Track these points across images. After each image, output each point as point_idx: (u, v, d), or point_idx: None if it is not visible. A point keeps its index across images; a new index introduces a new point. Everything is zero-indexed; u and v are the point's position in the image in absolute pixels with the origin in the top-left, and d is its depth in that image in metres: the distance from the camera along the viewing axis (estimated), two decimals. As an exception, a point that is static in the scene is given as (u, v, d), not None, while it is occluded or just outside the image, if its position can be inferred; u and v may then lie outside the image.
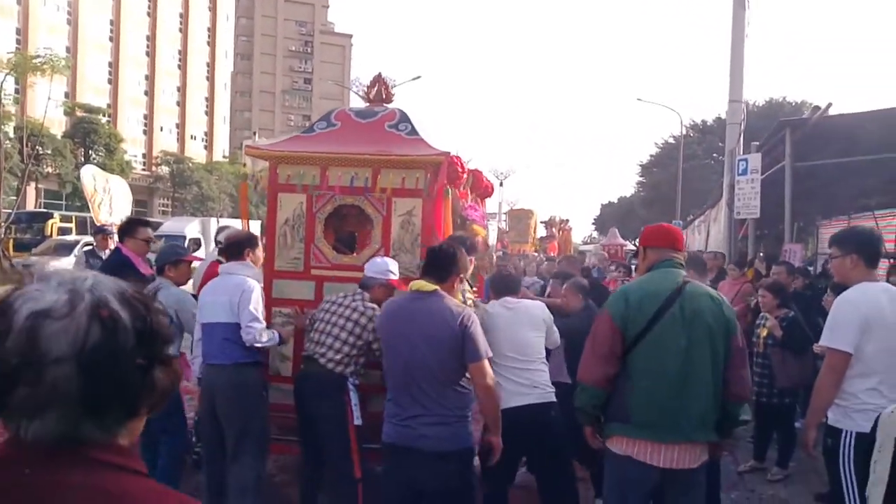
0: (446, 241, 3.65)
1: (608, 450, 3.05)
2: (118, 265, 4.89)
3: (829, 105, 7.87)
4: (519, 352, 3.88)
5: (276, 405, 4.57)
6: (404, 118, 5.02)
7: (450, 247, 3.38)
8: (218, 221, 21.28)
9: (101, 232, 8.13)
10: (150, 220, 25.65)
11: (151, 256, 5.38)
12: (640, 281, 3.23)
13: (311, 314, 4.38)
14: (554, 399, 3.95)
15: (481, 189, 5.33)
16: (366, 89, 5.28)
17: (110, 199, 10.19)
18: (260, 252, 4.47)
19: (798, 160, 8.80)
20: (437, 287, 3.17)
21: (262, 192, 5.04)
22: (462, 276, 3.36)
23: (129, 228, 5.25)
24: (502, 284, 4.22)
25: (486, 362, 3.11)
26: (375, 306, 4.15)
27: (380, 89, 5.23)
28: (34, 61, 21.61)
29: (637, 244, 3.36)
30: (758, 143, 9.98)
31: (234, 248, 4.35)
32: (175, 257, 4.78)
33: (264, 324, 4.19)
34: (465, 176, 4.74)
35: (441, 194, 4.63)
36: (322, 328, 4.14)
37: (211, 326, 4.14)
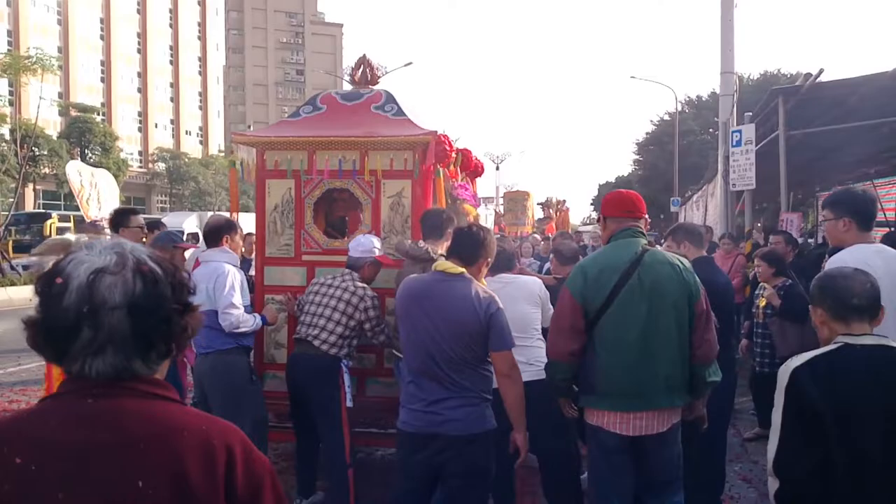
0: (427, 214, 3.50)
1: (586, 422, 3.09)
2: None
3: (821, 71, 7.79)
4: (517, 327, 3.78)
5: (273, 393, 4.56)
6: (390, 99, 4.98)
7: (479, 230, 3.27)
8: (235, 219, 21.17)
9: (93, 227, 8.10)
10: (149, 216, 25.68)
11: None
12: (598, 254, 3.19)
13: (300, 298, 4.36)
14: None
15: (471, 168, 5.29)
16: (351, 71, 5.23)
17: (98, 194, 10.07)
18: (239, 239, 4.43)
19: (792, 129, 8.73)
20: (463, 270, 3.08)
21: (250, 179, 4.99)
22: (489, 260, 3.23)
23: (122, 219, 5.14)
24: (496, 261, 4.15)
25: (511, 352, 3.05)
26: (366, 286, 4.13)
27: (365, 71, 5.17)
28: (25, 61, 21.57)
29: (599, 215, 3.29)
30: (751, 113, 9.90)
31: (212, 235, 4.34)
32: (171, 244, 4.84)
33: (242, 309, 4.11)
34: (453, 155, 4.69)
35: (430, 174, 4.60)
36: (313, 310, 4.10)
37: None
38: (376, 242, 4.29)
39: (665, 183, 35.06)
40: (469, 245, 3.16)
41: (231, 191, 5.12)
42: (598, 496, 3.13)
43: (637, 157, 47.07)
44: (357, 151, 4.63)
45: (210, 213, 23.71)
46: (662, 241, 6.36)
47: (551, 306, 4.17)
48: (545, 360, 3.93)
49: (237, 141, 4.98)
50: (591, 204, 63.60)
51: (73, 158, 38.78)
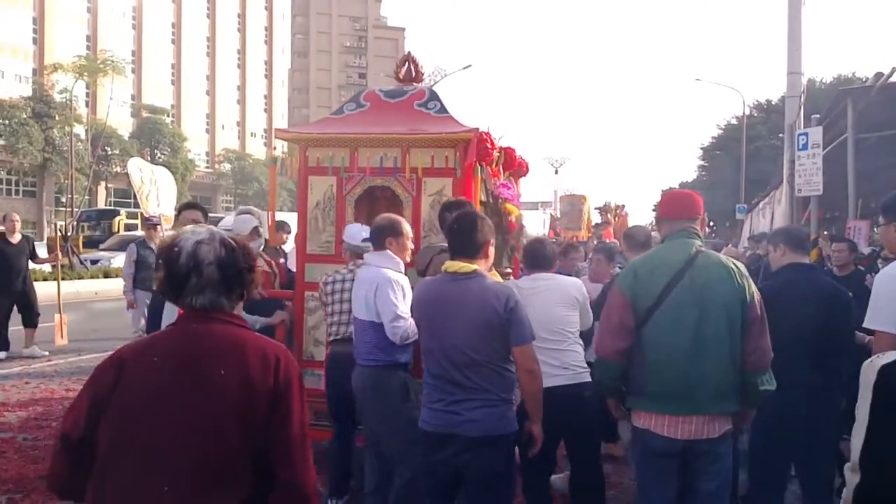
0: (455, 213, 3.40)
1: (632, 424, 3.01)
2: None
3: (894, 70, 7.33)
4: (549, 330, 3.69)
5: (311, 390, 4.52)
6: (433, 97, 4.93)
7: (466, 217, 3.14)
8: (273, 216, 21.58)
9: (149, 222, 8.32)
10: (214, 215, 26.49)
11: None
12: (651, 253, 3.15)
13: (322, 297, 4.27)
14: (588, 379, 3.74)
15: (514, 167, 5.18)
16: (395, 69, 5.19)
17: (157, 191, 10.36)
18: (406, 241, 3.85)
19: (862, 132, 8.27)
20: (475, 267, 2.99)
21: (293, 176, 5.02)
22: (491, 241, 3.09)
23: (177, 213, 5.33)
24: (534, 259, 4.03)
25: (531, 346, 2.98)
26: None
27: (409, 68, 5.13)
28: (97, 64, 22.62)
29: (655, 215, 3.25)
30: (818, 115, 9.44)
31: (374, 236, 3.86)
32: None
33: (409, 318, 3.54)
34: (495, 153, 4.59)
35: (471, 172, 4.51)
36: (346, 308, 4.03)
37: (356, 322, 3.85)
38: (365, 230, 4.15)
39: (731, 189, 33.99)
40: (462, 240, 3.05)
41: (270, 188, 5.16)
42: (640, 502, 3.07)
43: (702, 162, 45.86)
44: (398, 149, 4.60)
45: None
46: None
47: (590, 309, 4.04)
48: (580, 363, 3.84)
49: (280, 137, 5.01)
50: (654, 210, 62.36)
51: (142, 158, 40.35)
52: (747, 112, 35.70)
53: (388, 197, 5.02)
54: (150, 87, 52.49)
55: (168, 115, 50.31)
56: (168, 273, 1.82)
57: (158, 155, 45.09)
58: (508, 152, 4.96)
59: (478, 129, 4.47)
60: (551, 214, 20.93)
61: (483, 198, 4.76)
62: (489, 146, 4.44)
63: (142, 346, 1.86)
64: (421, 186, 4.62)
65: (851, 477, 2.23)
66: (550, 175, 47.40)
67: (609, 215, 20.57)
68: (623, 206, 21.83)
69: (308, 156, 4.81)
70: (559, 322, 3.76)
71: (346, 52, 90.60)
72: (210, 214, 5.86)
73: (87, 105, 42.38)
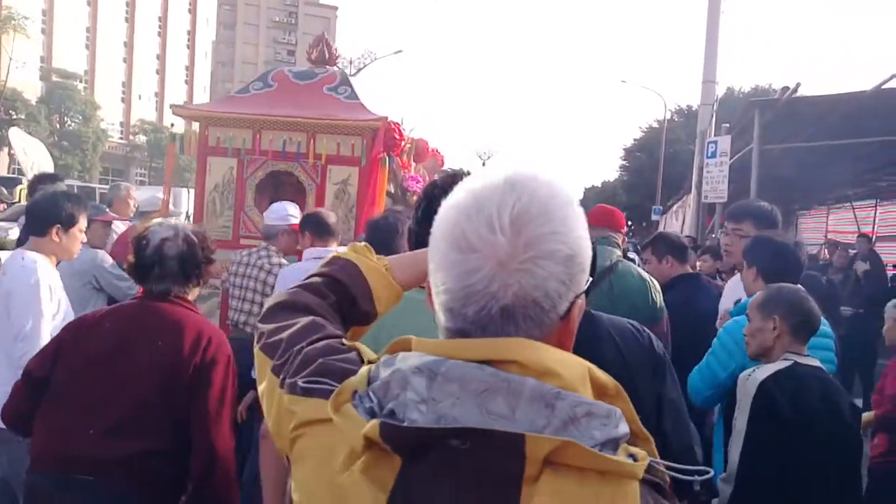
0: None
1: None
2: None
3: (798, 85, 7.62)
4: None
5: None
6: (344, 81, 4.75)
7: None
8: (188, 192, 20.69)
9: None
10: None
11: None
12: None
13: (224, 278, 4.11)
14: None
15: (426, 160, 5.06)
16: (320, 55, 4.92)
17: (37, 162, 9.80)
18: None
19: (768, 143, 8.57)
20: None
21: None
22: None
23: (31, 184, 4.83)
24: None
25: None
26: (283, 261, 3.90)
27: (322, 50, 4.92)
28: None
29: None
30: (728, 124, 9.75)
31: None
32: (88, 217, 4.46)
33: None
34: (404, 144, 4.47)
35: (377, 163, 4.37)
36: (238, 294, 3.90)
37: None
38: (292, 210, 4.02)
39: (650, 190, 34.99)
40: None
41: (166, 167, 4.87)
42: None
43: (624, 162, 47.04)
44: (304, 133, 4.41)
45: (184, 190, 23.23)
46: (641, 249, 6.15)
47: None
48: None
49: (178, 113, 4.75)
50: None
51: (51, 125, 37.89)
52: (668, 116, 36.83)
53: (293, 183, 4.83)
54: (62, 50, 49.47)
55: (81, 81, 47.63)
56: (136, 261, 2.17)
57: (69, 122, 42.69)
58: (420, 144, 4.84)
59: (386, 117, 4.33)
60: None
61: (391, 189, 4.64)
62: (397, 137, 4.32)
63: (102, 312, 2.22)
64: (326, 174, 4.44)
65: (724, 488, 2.29)
66: (479, 168, 47.63)
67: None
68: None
69: (208, 135, 4.57)
70: None
71: (274, 27, 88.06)
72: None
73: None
